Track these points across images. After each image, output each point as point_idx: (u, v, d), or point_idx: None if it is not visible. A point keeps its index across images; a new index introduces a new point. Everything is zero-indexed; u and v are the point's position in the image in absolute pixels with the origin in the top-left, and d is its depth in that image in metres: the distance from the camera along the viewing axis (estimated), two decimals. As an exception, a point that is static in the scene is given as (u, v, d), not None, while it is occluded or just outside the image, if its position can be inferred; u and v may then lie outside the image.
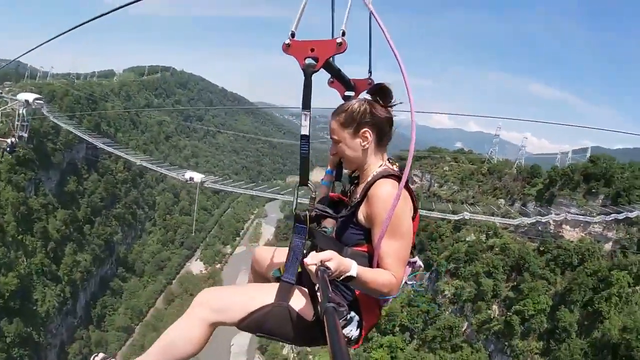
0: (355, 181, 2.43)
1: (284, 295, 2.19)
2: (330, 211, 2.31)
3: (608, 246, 47.53)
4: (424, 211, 53.20)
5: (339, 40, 1.98)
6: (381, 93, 2.20)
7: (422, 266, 2.42)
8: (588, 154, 57.11)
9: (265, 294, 2.22)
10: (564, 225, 50.28)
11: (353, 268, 1.93)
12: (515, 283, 51.42)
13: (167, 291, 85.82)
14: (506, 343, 47.53)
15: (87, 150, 76.10)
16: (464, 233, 58.49)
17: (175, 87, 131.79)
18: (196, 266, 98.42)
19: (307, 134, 2.08)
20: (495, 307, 50.73)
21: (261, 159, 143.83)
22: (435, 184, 71.59)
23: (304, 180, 2.17)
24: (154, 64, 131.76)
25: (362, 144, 2.23)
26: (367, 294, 2.19)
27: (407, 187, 2.12)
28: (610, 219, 44.58)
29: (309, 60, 2.02)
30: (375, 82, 2.41)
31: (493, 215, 51.69)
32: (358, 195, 2.20)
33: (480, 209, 54.91)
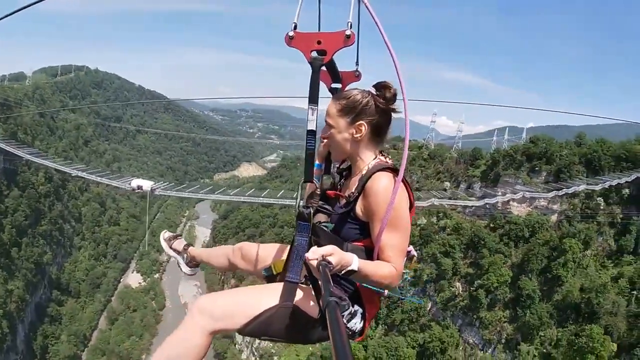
0: (344, 173, 2.48)
1: (288, 295, 2.16)
2: (328, 207, 2.32)
3: (554, 218, 53.08)
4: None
5: (347, 32, 1.96)
6: (386, 91, 2.21)
7: (416, 255, 2.50)
8: (524, 135, 63.16)
9: (268, 296, 2.20)
10: (511, 202, 55.43)
11: (354, 262, 1.95)
12: (473, 260, 55.34)
13: (109, 310, 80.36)
14: (474, 316, 51.34)
15: (4, 163, 66.98)
16: (414, 217, 61.37)
17: (91, 88, 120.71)
18: (134, 278, 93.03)
19: (314, 129, 2.05)
20: (458, 284, 54.51)
21: (186, 158, 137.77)
22: None
23: (309, 177, 2.14)
24: (65, 63, 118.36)
25: (355, 135, 2.23)
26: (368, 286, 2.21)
27: (403, 179, 2.14)
28: (561, 193, 49.91)
29: (315, 54, 2.00)
30: (361, 74, 2.53)
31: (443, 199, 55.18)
32: (353, 189, 2.22)
33: (434, 194, 58.38)
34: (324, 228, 2.20)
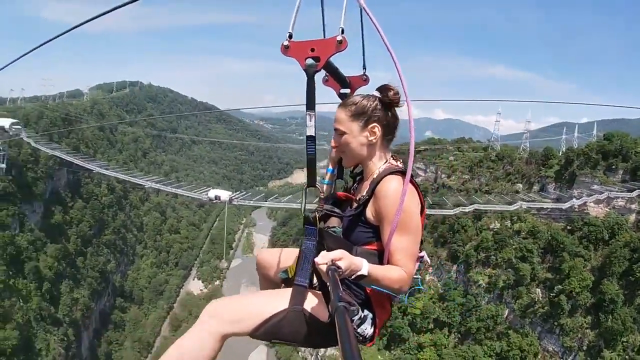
0: (358, 178, 2.48)
1: (298, 299, 2.16)
2: (338, 210, 2.32)
3: (632, 217, 48.12)
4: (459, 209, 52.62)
5: (339, 38, 1.96)
6: (390, 92, 2.21)
7: (429, 261, 2.39)
8: (595, 131, 58.17)
9: (278, 300, 2.19)
10: (588, 203, 50.72)
11: (364, 267, 1.94)
12: (551, 264, 51.22)
13: (172, 316, 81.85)
14: (555, 323, 47.22)
15: (68, 175, 70.13)
16: (486, 221, 57.96)
17: (146, 102, 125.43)
18: (195, 285, 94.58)
19: (313, 134, 2.05)
20: (537, 290, 50.26)
21: (240, 166, 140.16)
22: (443, 175, 71.11)
23: (311, 182, 2.16)
24: (119, 79, 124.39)
25: (370, 139, 2.24)
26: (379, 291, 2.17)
27: (413, 182, 2.13)
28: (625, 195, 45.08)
29: (309, 61, 2.00)
30: (369, 78, 2.53)
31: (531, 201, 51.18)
32: (364, 193, 2.22)
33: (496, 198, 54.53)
34: (333, 232, 2.21)
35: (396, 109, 2.27)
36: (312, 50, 1.98)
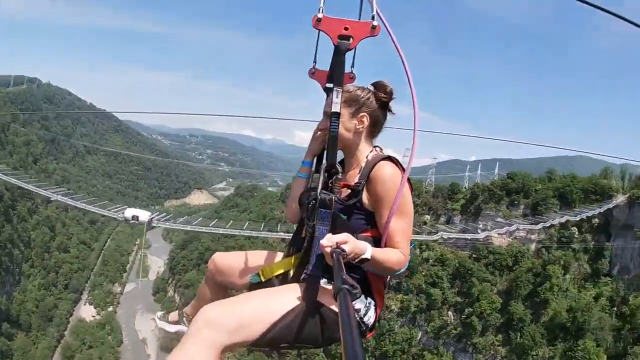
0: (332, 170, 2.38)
1: (312, 292, 2.07)
2: (338, 197, 2.22)
3: (532, 247, 58.67)
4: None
5: (374, 23, 2.02)
6: (385, 89, 2.31)
7: (414, 243, 2.53)
8: (497, 170, 69.48)
9: (288, 297, 2.09)
10: (491, 234, 60.18)
11: (368, 250, 1.98)
12: (460, 289, 58.32)
13: (63, 346, 73.45)
14: (468, 342, 54.24)
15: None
16: None
17: (42, 102, 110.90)
18: (87, 311, 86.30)
19: (339, 111, 2.11)
20: (450, 313, 57.26)
21: (136, 183, 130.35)
22: None
23: (332, 159, 2.19)
24: (13, 73, 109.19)
25: (357, 127, 2.29)
26: (377, 275, 2.24)
27: (403, 169, 2.21)
28: (548, 224, 55.24)
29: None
30: (355, 76, 2.52)
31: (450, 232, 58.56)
32: (357, 180, 2.23)
33: (442, 228, 61.52)
34: (342, 216, 2.16)
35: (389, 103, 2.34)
36: (346, 29, 2.02)
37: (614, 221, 55.57)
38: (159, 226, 57.07)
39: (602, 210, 55.31)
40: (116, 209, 55.28)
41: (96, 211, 56.31)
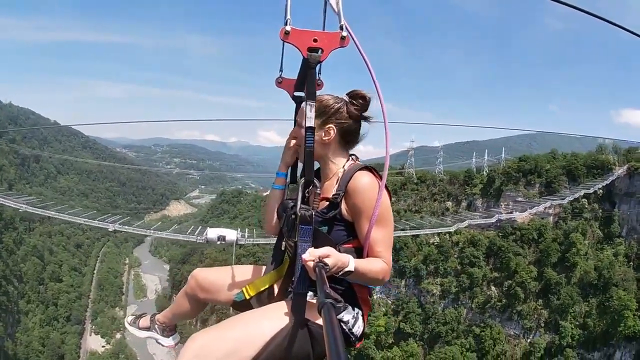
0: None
1: (299, 309, 2.04)
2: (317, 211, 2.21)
3: (550, 219, 64.76)
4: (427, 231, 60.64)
5: (343, 33, 1.99)
6: (359, 99, 2.30)
7: None
8: (503, 155, 75.31)
9: (276, 317, 2.07)
10: (513, 212, 65.32)
11: (351, 263, 1.99)
12: (493, 265, 65.04)
13: None
14: (513, 311, 59.29)
15: None
16: (424, 237, 67.35)
17: (7, 122, 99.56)
18: (95, 342, 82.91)
19: (313, 125, 2.05)
20: (493, 288, 61.65)
21: (114, 199, 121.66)
22: None
23: (309, 175, 2.12)
24: None
25: (324, 138, 2.28)
26: (361, 284, 2.25)
27: (379, 177, 2.22)
28: (568, 200, 62.77)
29: (314, 52, 2.00)
30: (323, 83, 2.48)
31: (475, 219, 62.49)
32: (333, 192, 2.22)
33: (468, 216, 65.27)
34: (322, 231, 2.16)
35: (363, 114, 2.34)
36: (315, 40, 1.98)
37: (616, 190, 63.28)
38: (247, 243, 54.68)
39: (607, 182, 61.73)
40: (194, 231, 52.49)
41: (169, 237, 53.05)
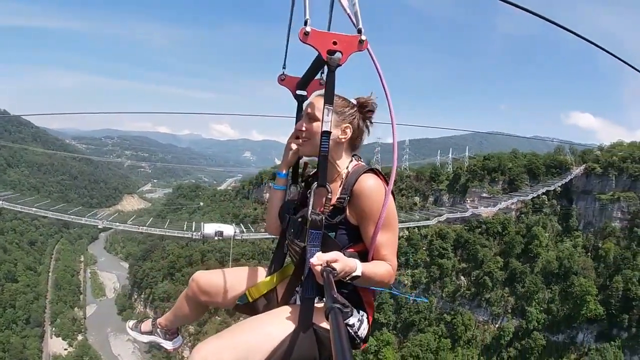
0: (310, 180, 2.45)
1: (307, 314, 2.05)
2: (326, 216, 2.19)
3: (513, 214, 70.81)
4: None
5: (362, 37, 1.94)
6: (368, 107, 2.30)
7: None
8: (467, 153, 80.00)
9: (283, 322, 2.08)
10: (479, 207, 69.93)
11: (358, 268, 1.99)
12: (461, 257, 70.03)
13: None
14: (482, 299, 63.97)
15: None
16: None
17: None
18: (57, 344, 79.80)
19: (329, 129, 2.00)
20: (462, 278, 65.85)
21: (66, 194, 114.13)
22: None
23: (323, 181, 2.09)
24: None
25: (340, 137, 2.26)
26: (366, 288, 2.27)
27: (384, 179, 2.23)
28: (530, 197, 69.33)
29: (338, 54, 1.94)
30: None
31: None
32: (339, 194, 2.20)
33: (443, 210, 68.80)
34: (330, 235, 2.16)
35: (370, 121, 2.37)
36: (334, 43, 1.93)
37: (573, 188, 69.18)
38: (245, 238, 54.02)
39: (566, 180, 67.61)
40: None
41: (171, 234, 51.56)
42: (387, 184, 2.17)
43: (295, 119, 2.54)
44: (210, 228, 47.16)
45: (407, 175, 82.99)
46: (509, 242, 68.29)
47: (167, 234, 52.31)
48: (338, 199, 2.17)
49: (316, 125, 2.21)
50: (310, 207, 2.11)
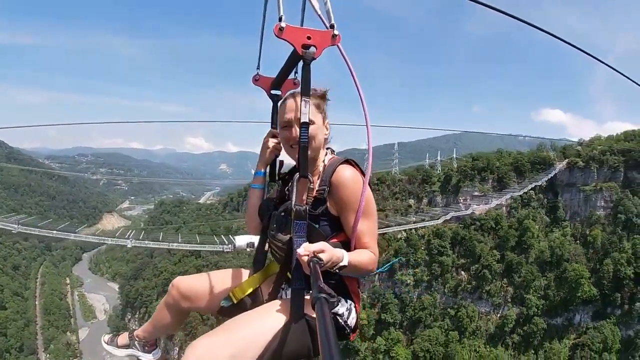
0: (287, 177, 2.51)
1: (298, 305, 2.08)
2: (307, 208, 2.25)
3: (504, 210, 74.77)
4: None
5: (335, 32, 2.04)
6: (325, 96, 2.38)
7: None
8: (455, 155, 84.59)
9: (275, 314, 2.12)
10: (472, 205, 73.34)
11: (345, 257, 2.04)
12: (459, 253, 73.66)
13: None
14: (483, 291, 67.28)
15: None
16: (392, 233, 73.01)
17: None
18: None
19: (307, 121, 2.09)
20: (463, 273, 68.76)
21: (45, 215, 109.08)
22: None
23: (304, 172, 2.16)
24: None
25: (325, 133, 2.38)
26: (351, 277, 2.33)
27: (360, 169, 2.31)
28: (520, 193, 74.42)
29: (312, 48, 2.03)
30: (300, 82, 2.30)
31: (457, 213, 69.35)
32: (318, 187, 2.26)
33: (444, 211, 71.56)
34: (315, 226, 2.22)
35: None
36: (309, 38, 2.02)
37: (557, 182, 73.99)
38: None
39: (551, 175, 72.11)
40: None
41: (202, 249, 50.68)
42: (364, 174, 2.27)
43: (270, 118, 2.60)
44: (242, 240, 48.70)
45: (399, 179, 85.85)
46: (503, 236, 73.28)
47: (198, 249, 51.76)
48: (318, 190, 2.26)
49: (313, 128, 2.23)
50: (293, 199, 2.20)
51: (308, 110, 2.07)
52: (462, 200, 79.36)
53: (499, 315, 69.65)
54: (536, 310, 66.53)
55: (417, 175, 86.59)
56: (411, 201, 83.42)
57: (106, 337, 2.91)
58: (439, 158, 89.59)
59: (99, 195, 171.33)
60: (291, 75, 2.56)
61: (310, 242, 1.99)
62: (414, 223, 73.92)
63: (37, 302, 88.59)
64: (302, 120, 2.07)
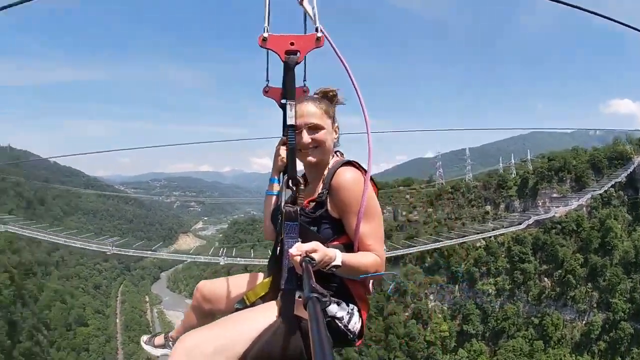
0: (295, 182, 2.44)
1: (288, 305, 2.11)
2: (304, 209, 2.28)
3: (584, 210, 72.70)
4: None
5: (318, 35, 2.12)
6: (336, 97, 2.45)
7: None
8: (529, 156, 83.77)
9: (264, 313, 2.15)
10: (552, 208, 69.47)
11: (338, 257, 2.04)
12: (540, 258, 69.96)
13: None
14: (567, 297, 63.27)
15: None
16: (470, 242, 69.69)
17: (11, 167, 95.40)
18: None
19: (294, 123, 2.15)
20: (546, 279, 65.03)
21: (124, 236, 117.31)
22: (403, 213, 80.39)
23: (292, 172, 2.20)
24: None
25: (334, 137, 2.42)
26: (355, 281, 2.29)
27: (361, 169, 2.30)
28: (600, 192, 70.38)
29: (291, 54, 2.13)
30: (309, 89, 2.62)
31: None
32: (320, 190, 2.30)
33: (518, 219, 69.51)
34: (311, 229, 2.21)
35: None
36: (292, 44, 2.09)
37: (637, 176, 68.16)
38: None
39: (630, 170, 66.70)
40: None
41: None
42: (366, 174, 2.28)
43: (282, 128, 2.51)
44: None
45: (473, 185, 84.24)
46: (586, 238, 69.78)
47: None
48: (318, 194, 2.28)
49: (322, 133, 2.32)
50: (282, 200, 2.26)
51: (294, 114, 2.14)
52: (540, 204, 75.55)
53: (584, 322, 66.45)
54: (623, 314, 63.30)
55: (492, 180, 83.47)
56: (488, 207, 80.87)
57: (145, 338, 3.10)
58: (512, 161, 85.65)
59: (173, 217, 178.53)
60: (300, 83, 2.59)
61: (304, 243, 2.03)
62: (492, 230, 71.37)
63: (117, 320, 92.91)
64: (288, 123, 2.15)
